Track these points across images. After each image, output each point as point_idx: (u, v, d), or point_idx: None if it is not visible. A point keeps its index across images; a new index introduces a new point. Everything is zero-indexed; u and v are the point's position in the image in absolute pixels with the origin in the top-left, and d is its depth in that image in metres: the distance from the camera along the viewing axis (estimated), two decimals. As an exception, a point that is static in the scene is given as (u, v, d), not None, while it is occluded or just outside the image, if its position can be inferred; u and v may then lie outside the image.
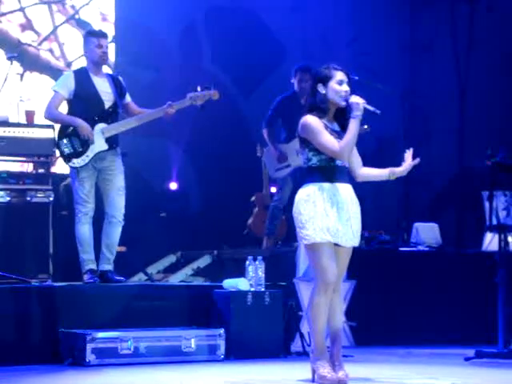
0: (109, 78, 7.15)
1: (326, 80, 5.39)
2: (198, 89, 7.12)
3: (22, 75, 8.45)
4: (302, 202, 5.38)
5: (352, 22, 10.42)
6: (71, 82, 7.01)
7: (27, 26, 9.29)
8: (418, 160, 5.58)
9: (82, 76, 7.05)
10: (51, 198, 7.38)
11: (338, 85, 5.38)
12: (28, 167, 7.60)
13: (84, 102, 6.99)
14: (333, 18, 10.37)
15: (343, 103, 5.37)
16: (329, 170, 5.38)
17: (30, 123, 7.50)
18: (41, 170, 7.48)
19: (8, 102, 8.10)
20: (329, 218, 5.32)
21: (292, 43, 10.15)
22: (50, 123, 7.24)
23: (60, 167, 8.22)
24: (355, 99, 5.34)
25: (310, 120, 5.38)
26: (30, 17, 9.33)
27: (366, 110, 5.36)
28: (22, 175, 7.41)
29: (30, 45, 9.18)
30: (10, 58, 7.07)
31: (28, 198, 7.30)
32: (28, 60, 9.08)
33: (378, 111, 5.37)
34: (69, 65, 9.35)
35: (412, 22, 10.62)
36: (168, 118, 7.13)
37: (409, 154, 5.58)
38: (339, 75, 5.39)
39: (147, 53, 9.52)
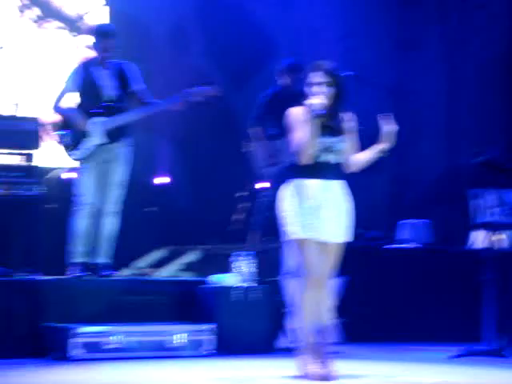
0: (116, 67, 7.10)
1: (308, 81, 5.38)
2: (196, 85, 7.08)
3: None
4: (286, 198, 5.35)
5: (343, 18, 10.38)
6: (78, 75, 7.04)
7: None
8: (394, 126, 5.46)
9: (87, 68, 7.06)
10: (39, 191, 7.33)
11: (309, 87, 5.35)
12: (13, 160, 7.53)
13: (87, 94, 7.03)
14: (324, 14, 10.33)
15: (311, 109, 5.32)
16: (313, 166, 5.35)
17: (14, 115, 7.45)
18: (27, 163, 7.43)
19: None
20: (309, 214, 5.30)
21: (283, 38, 10.11)
22: (35, 116, 7.21)
23: (47, 160, 8.17)
24: (311, 101, 5.29)
25: (292, 112, 5.36)
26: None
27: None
28: (7, 168, 7.37)
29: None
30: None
31: (13, 191, 7.25)
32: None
33: (321, 114, 5.29)
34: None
35: (400, 20, 10.59)
36: (175, 110, 7.10)
37: (383, 121, 5.46)
38: (313, 76, 5.36)
39: (138, 46, 9.47)
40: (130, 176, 7.33)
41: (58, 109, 7.09)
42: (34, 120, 7.41)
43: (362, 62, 9.81)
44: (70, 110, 6.99)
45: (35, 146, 7.40)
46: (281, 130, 8.35)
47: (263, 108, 8.54)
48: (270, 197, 8.55)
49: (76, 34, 9.38)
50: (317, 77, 5.34)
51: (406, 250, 8.45)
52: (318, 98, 5.28)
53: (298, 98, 8.41)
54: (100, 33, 7.12)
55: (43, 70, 8.93)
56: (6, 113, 7.46)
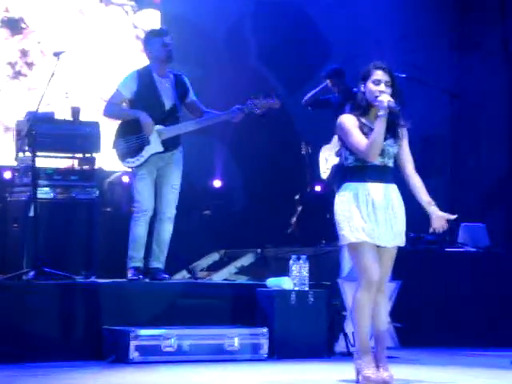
0: (172, 77, 7.13)
1: (365, 78, 5.34)
2: (260, 96, 7.05)
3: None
4: (339, 203, 5.35)
5: (401, 20, 10.31)
6: (133, 81, 7.04)
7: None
8: (453, 217, 5.43)
9: (145, 76, 7.05)
10: (96, 195, 7.40)
11: (373, 84, 5.31)
12: (73, 164, 7.62)
13: (144, 102, 7.00)
14: (381, 15, 10.27)
15: (376, 103, 5.29)
16: (365, 170, 5.32)
17: (75, 120, 7.52)
18: (86, 167, 7.51)
19: (53, 98, 8.14)
20: (364, 218, 5.27)
21: (339, 40, 10.08)
22: (96, 120, 7.26)
23: (105, 164, 8.24)
24: (381, 98, 5.26)
25: (343, 119, 5.35)
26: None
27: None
28: (67, 172, 7.45)
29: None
30: (56, 54, 7.11)
31: (73, 195, 7.33)
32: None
33: (398, 108, 5.26)
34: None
35: (462, 21, 10.49)
36: (235, 122, 7.09)
37: (449, 217, 5.43)
38: (377, 74, 5.32)
39: (194, 49, 9.51)
40: (187, 179, 7.37)
41: (115, 111, 7.05)
42: (94, 124, 7.47)
43: (423, 63, 9.74)
44: (137, 111, 6.98)
45: (96, 149, 7.46)
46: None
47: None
48: (328, 200, 8.56)
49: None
50: (379, 74, 5.31)
51: (466, 254, 8.34)
52: (386, 95, 5.26)
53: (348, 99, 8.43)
54: (157, 33, 7.15)
55: (105, 74, 9.01)
56: (68, 117, 7.53)
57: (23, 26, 8.82)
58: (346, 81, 8.58)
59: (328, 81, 8.61)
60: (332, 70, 8.60)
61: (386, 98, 5.25)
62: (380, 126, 5.25)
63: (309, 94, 8.73)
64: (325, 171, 8.69)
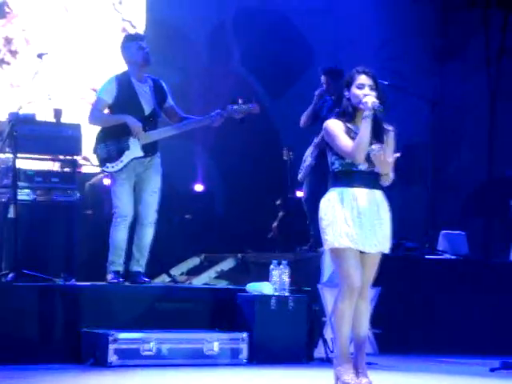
0: (151, 82, 7.12)
1: (349, 84, 5.36)
2: (239, 101, 7.05)
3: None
4: (324, 207, 5.34)
5: (383, 27, 10.36)
6: (114, 87, 7.01)
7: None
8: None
9: (123, 81, 7.03)
10: (77, 197, 7.37)
11: (357, 89, 5.33)
12: (54, 166, 7.59)
13: (124, 107, 6.97)
14: (363, 22, 10.31)
15: (361, 105, 5.31)
16: (351, 175, 5.32)
17: (57, 121, 7.49)
18: (67, 169, 7.48)
19: (36, 99, 8.11)
20: (348, 223, 5.27)
21: (321, 46, 10.11)
22: (77, 122, 7.23)
23: (86, 167, 8.22)
24: (366, 99, 5.28)
25: (330, 124, 5.36)
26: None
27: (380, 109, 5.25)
28: (49, 173, 7.41)
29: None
30: (40, 56, 7.08)
31: (54, 197, 7.30)
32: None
33: (382, 107, 5.27)
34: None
35: (443, 29, 10.55)
36: (215, 126, 7.09)
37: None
38: (360, 79, 5.34)
39: (176, 53, 9.51)
40: (168, 183, 7.35)
41: (101, 118, 7.04)
42: (76, 126, 7.44)
43: (401, 71, 9.79)
44: (124, 115, 6.96)
45: (78, 151, 7.43)
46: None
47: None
48: (309, 204, 8.57)
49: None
50: (363, 79, 5.34)
51: (446, 261, 8.37)
52: (370, 97, 5.28)
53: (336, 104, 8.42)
54: (133, 37, 7.14)
55: (86, 75, 8.98)
56: (50, 119, 7.50)
57: (7, 10, 8.77)
58: (339, 85, 8.57)
59: (323, 77, 8.57)
60: (330, 68, 8.56)
61: (370, 99, 5.27)
62: (365, 127, 5.26)
63: (304, 116, 8.62)
64: (300, 171, 8.70)
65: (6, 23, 8.75)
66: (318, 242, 8.52)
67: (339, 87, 8.20)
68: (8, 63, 8.72)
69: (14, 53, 8.72)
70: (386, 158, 5.33)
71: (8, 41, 8.69)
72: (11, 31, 8.77)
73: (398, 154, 5.34)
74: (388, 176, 5.36)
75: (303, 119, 8.53)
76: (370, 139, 5.28)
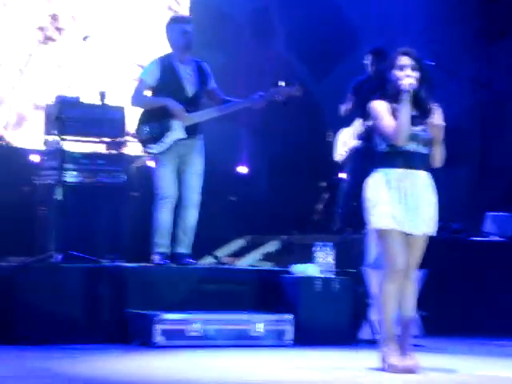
0: (194, 64, 7.13)
1: (392, 66, 5.34)
2: (282, 83, 7.04)
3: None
4: (369, 188, 5.34)
5: (428, 9, 10.26)
6: (157, 69, 7.04)
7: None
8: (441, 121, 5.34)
9: (166, 63, 7.05)
10: (123, 179, 7.42)
11: (398, 70, 5.31)
12: (100, 148, 7.64)
13: (167, 89, 7.01)
14: (408, 5, 10.22)
15: (400, 88, 5.29)
16: (397, 156, 5.31)
17: (102, 104, 7.54)
18: (113, 151, 7.52)
19: (79, 81, 8.17)
20: (393, 204, 5.26)
21: (367, 28, 10.03)
22: (122, 105, 7.27)
23: (132, 149, 8.27)
24: (402, 81, 5.26)
25: (374, 104, 5.37)
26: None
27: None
28: (95, 156, 7.47)
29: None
30: (85, 39, 7.12)
31: (100, 179, 7.35)
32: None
33: (415, 89, 5.23)
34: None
35: (487, 9, 10.41)
36: (257, 108, 7.10)
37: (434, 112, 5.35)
38: (401, 60, 5.33)
39: (220, 36, 9.50)
40: (211, 165, 7.38)
41: (143, 101, 7.07)
42: (120, 109, 7.48)
43: (446, 54, 9.68)
44: (166, 98, 6.98)
45: (122, 134, 7.48)
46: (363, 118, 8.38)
47: (349, 96, 8.53)
48: (350, 186, 8.55)
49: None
50: (403, 60, 5.32)
51: (491, 243, 8.30)
52: (408, 78, 5.26)
53: (381, 85, 8.38)
54: (178, 20, 7.15)
55: (130, 58, 9.00)
56: (94, 102, 7.56)
57: None
58: (382, 65, 8.53)
59: (369, 56, 8.54)
60: (377, 48, 8.55)
61: (407, 81, 5.25)
62: (404, 110, 5.24)
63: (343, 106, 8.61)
64: (341, 153, 8.66)
65: None
66: (345, 222, 8.56)
67: (383, 68, 8.18)
68: (54, 40, 8.76)
69: (60, 30, 8.77)
70: (436, 135, 5.30)
71: (54, 18, 8.74)
72: (57, 7, 8.81)
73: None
74: (439, 154, 5.32)
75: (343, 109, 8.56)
76: (409, 121, 5.25)
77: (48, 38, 8.77)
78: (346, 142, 8.64)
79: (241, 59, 9.63)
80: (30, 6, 8.70)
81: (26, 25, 8.68)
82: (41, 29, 8.74)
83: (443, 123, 5.30)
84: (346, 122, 8.72)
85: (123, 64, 8.97)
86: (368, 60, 8.52)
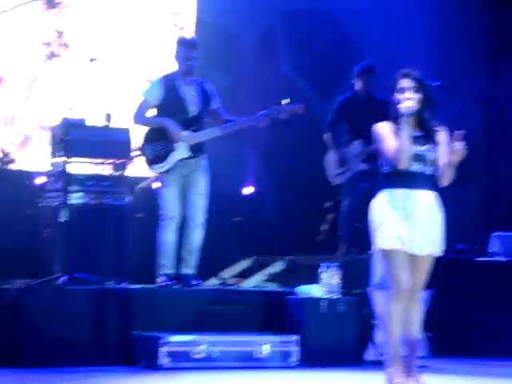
0: (197, 85, 7.17)
1: (394, 88, 5.36)
2: (283, 102, 7.09)
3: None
4: (373, 209, 5.34)
5: (433, 27, 10.27)
6: (159, 88, 7.09)
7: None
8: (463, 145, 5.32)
9: (170, 82, 7.10)
10: (127, 201, 7.43)
11: (399, 93, 5.32)
12: (104, 170, 7.65)
13: (170, 108, 7.05)
14: (413, 23, 10.23)
15: (400, 111, 5.30)
16: (402, 176, 5.31)
17: (106, 126, 7.56)
18: (117, 173, 7.53)
19: (85, 105, 8.19)
20: (398, 225, 5.26)
21: (371, 47, 10.05)
22: (127, 126, 7.30)
23: (136, 170, 8.28)
24: (401, 105, 5.27)
25: (378, 126, 5.38)
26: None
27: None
28: (99, 177, 7.47)
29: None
30: (91, 60, 7.16)
31: (104, 201, 7.36)
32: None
33: (412, 112, 5.24)
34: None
35: (494, 27, 10.43)
36: (260, 127, 7.13)
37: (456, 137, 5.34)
38: (401, 82, 5.33)
39: (225, 56, 9.54)
40: (217, 185, 7.39)
41: (143, 120, 7.11)
42: (125, 130, 7.50)
43: (451, 72, 9.69)
44: (165, 119, 7.03)
45: (127, 155, 7.50)
46: (353, 136, 8.39)
47: (336, 114, 8.54)
48: (350, 207, 8.52)
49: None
50: (404, 82, 5.33)
51: (497, 263, 8.26)
52: (407, 101, 5.27)
53: (370, 103, 8.38)
54: (184, 43, 7.19)
55: (135, 81, 9.03)
56: (99, 123, 7.59)
57: (57, 0, 8.85)
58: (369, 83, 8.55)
59: (358, 79, 8.55)
60: (366, 67, 8.55)
61: (404, 105, 5.27)
62: (403, 133, 5.26)
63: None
64: (338, 173, 8.61)
65: (58, 13, 8.82)
66: (349, 244, 8.54)
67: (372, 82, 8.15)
68: (58, 55, 8.79)
69: (65, 45, 8.80)
70: (441, 157, 5.30)
71: (59, 34, 8.77)
72: (62, 23, 8.84)
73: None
74: (450, 175, 5.31)
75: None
76: (410, 143, 5.25)
77: (53, 55, 8.80)
78: (338, 164, 8.59)
79: (246, 80, 9.65)
80: (36, 22, 8.74)
81: (31, 41, 8.72)
82: (47, 44, 8.78)
83: (465, 149, 5.27)
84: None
85: (129, 85, 9.00)
86: (360, 80, 8.53)
